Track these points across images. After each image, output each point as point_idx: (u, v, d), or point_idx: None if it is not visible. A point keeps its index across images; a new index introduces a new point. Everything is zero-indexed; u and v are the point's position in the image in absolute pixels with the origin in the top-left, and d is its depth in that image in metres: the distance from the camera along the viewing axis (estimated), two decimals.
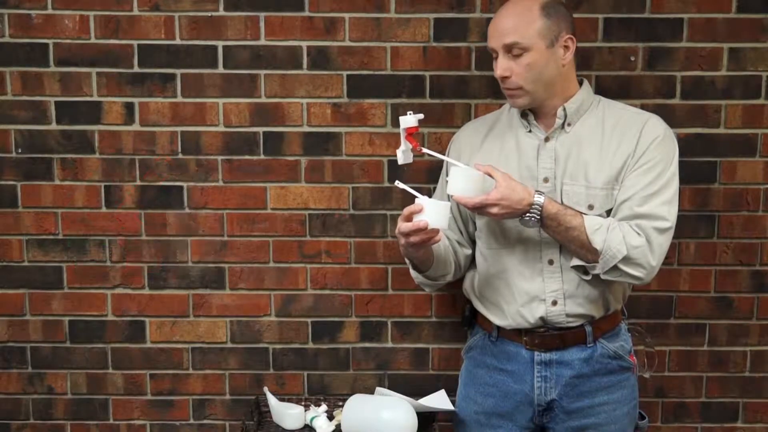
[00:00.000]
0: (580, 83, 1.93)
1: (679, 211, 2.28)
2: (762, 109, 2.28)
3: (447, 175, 2.07)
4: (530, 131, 1.92)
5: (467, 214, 2.03)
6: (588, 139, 1.88)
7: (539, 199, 1.79)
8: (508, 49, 1.82)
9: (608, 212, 1.87)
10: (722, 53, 2.25)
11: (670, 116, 2.25)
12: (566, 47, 1.84)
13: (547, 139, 1.90)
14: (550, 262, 1.89)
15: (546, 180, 1.88)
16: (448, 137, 2.16)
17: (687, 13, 2.23)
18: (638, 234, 1.82)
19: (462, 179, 1.80)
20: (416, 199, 1.80)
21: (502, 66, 1.84)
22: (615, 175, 1.85)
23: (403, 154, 1.89)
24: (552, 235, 1.85)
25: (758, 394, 2.42)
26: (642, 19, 2.24)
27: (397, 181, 1.89)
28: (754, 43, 2.24)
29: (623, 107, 1.95)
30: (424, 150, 1.90)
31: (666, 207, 1.84)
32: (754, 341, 2.39)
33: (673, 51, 2.25)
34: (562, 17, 1.84)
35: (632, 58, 2.25)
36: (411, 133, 1.87)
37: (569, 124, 1.89)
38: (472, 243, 2.07)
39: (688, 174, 2.29)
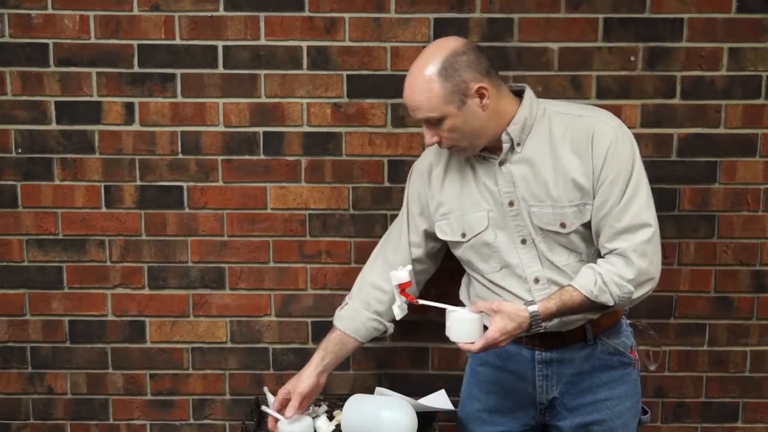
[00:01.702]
0: (521, 93, 1.88)
1: (679, 211, 2.31)
2: (762, 109, 2.28)
3: (408, 206, 2.06)
4: (484, 158, 1.90)
5: (427, 237, 2.04)
6: (540, 157, 1.85)
7: (534, 309, 1.78)
8: (426, 121, 1.82)
9: (584, 225, 1.84)
10: (722, 53, 2.25)
11: (670, 116, 2.26)
12: (481, 95, 1.79)
13: (501, 163, 1.87)
14: (536, 281, 1.88)
15: (511, 203, 1.87)
16: None
17: (687, 13, 2.23)
18: (627, 263, 1.79)
19: (461, 325, 1.79)
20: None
21: (428, 134, 1.84)
22: (580, 191, 1.82)
23: (400, 309, 1.89)
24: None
25: (758, 394, 2.42)
26: (642, 19, 2.23)
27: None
28: (754, 43, 2.24)
29: (567, 111, 1.89)
30: (421, 302, 1.88)
31: (645, 211, 1.81)
32: (754, 341, 2.39)
33: (673, 51, 2.25)
34: (464, 69, 1.77)
35: (632, 58, 2.25)
36: (404, 289, 1.86)
37: (518, 144, 1.86)
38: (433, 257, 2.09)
39: (688, 174, 2.30)
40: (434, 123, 1.81)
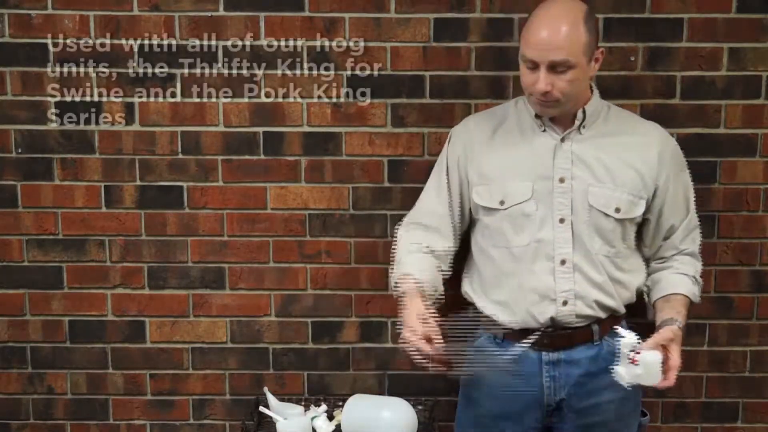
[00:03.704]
0: (591, 88, 1.94)
1: None
2: (762, 109, 2.28)
3: (448, 177, 2.03)
4: (545, 131, 1.91)
5: (465, 213, 2.02)
6: (606, 143, 1.90)
7: (681, 324, 1.86)
8: (554, 65, 1.78)
9: (630, 220, 1.91)
10: (722, 53, 2.25)
11: (670, 116, 2.25)
12: (597, 60, 1.85)
13: (562, 140, 1.90)
14: (563, 262, 1.89)
15: (562, 180, 1.88)
16: None
17: (687, 13, 2.23)
18: (698, 261, 2.02)
19: (658, 366, 1.75)
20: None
21: (545, 81, 1.79)
22: (641, 182, 1.89)
23: (629, 375, 1.78)
24: None
25: (758, 394, 2.42)
26: (642, 19, 2.23)
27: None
28: (754, 43, 2.24)
29: (629, 114, 2.02)
30: (638, 360, 1.77)
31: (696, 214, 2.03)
32: (754, 341, 2.39)
33: (673, 51, 2.25)
34: (597, 29, 1.85)
35: (632, 58, 2.25)
36: (637, 353, 1.77)
37: (584, 127, 1.90)
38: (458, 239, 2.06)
39: None
40: (561, 70, 1.78)
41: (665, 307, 1.91)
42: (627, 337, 1.77)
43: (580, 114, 1.89)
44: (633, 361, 1.75)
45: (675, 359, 1.78)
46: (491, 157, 1.95)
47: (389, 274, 2.02)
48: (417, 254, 1.97)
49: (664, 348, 1.78)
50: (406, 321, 1.79)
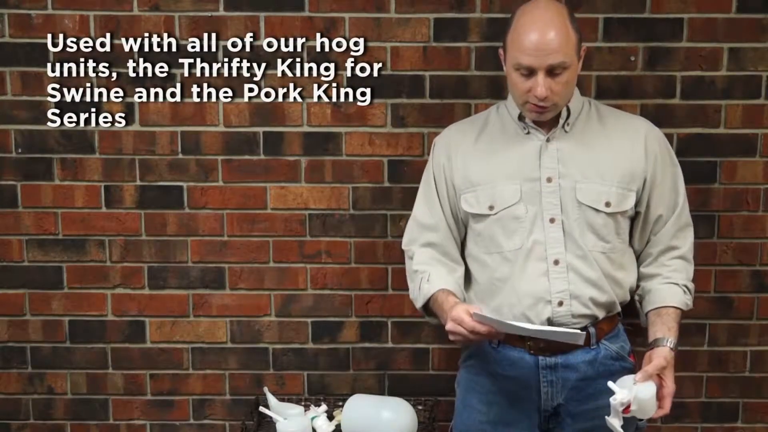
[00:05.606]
0: None
1: None
2: (762, 109, 2.28)
3: (436, 188, 1.98)
4: (528, 133, 1.91)
5: (459, 222, 1.99)
6: (592, 137, 1.89)
7: (673, 343, 1.84)
8: (551, 68, 1.77)
9: (622, 214, 1.89)
10: (722, 53, 2.25)
11: (670, 116, 2.26)
12: (581, 57, 1.84)
13: (548, 140, 1.89)
14: (556, 263, 1.87)
15: (549, 180, 1.87)
16: None
17: (687, 13, 2.23)
18: (689, 265, 1.96)
19: (653, 399, 1.76)
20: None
21: (544, 86, 1.77)
22: (629, 175, 1.87)
23: (623, 421, 1.77)
24: None
25: (758, 394, 2.42)
26: (642, 19, 2.24)
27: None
28: (754, 43, 2.24)
29: (613, 109, 1.99)
30: (630, 410, 1.76)
31: (688, 209, 1.97)
32: (754, 341, 2.39)
33: (673, 51, 2.25)
34: (578, 26, 1.82)
35: (632, 58, 2.25)
36: (627, 408, 1.75)
37: (568, 124, 1.89)
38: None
39: (688, 174, 2.28)
40: (557, 72, 1.78)
41: (657, 322, 1.89)
42: (619, 394, 1.73)
43: (564, 112, 1.88)
44: (625, 412, 1.75)
45: (669, 386, 1.78)
46: (476, 162, 1.94)
47: (410, 291, 2.00)
48: (441, 268, 1.97)
49: (658, 376, 1.77)
50: (452, 315, 1.78)
